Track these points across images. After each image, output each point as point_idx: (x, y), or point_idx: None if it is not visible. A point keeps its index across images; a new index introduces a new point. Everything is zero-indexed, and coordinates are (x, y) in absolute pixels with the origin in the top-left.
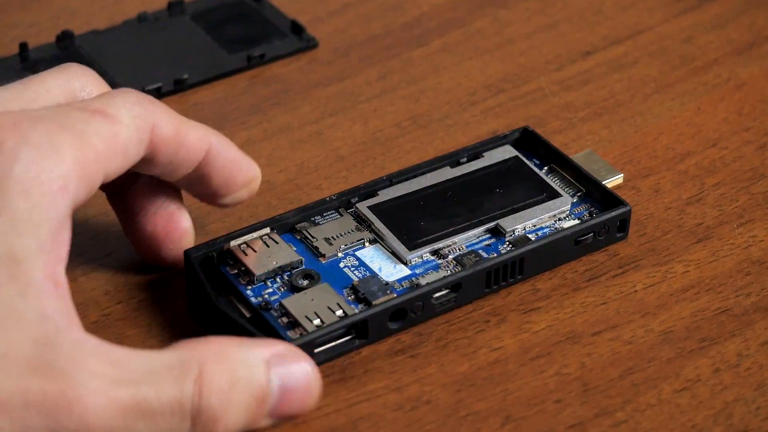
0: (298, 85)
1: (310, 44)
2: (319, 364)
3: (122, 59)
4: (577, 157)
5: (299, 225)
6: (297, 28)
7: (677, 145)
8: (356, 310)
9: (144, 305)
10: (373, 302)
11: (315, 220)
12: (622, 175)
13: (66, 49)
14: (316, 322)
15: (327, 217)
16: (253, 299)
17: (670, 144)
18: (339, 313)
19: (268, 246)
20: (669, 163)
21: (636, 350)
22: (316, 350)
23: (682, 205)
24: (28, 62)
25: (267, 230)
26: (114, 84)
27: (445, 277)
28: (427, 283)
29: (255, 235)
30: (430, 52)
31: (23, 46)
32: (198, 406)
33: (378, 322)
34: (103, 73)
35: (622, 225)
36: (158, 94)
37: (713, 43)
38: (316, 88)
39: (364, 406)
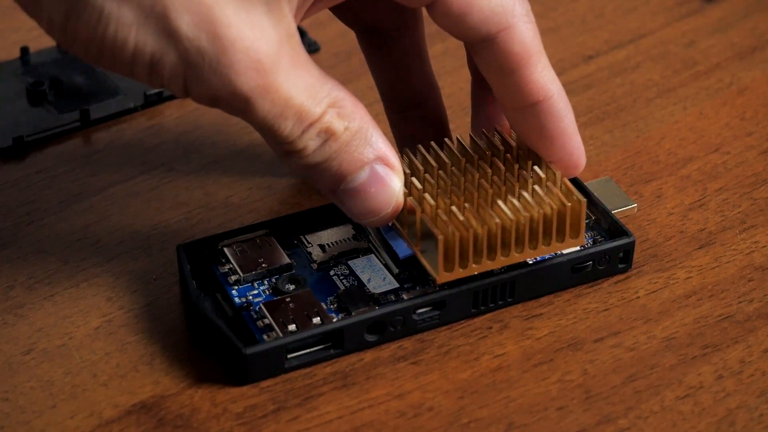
0: None
1: (312, 48)
2: (292, 370)
3: None
4: (593, 183)
5: (297, 229)
6: (299, 32)
7: (679, 150)
8: (334, 320)
9: (145, 312)
10: (353, 313)
11: (315, 225)
12: (635, 204)
13: (67, 53)
14: (291, 327)
15: (327, 223)
16: (236, 299)
17: (673, 149)
18: (316, 320)
19: (261, 248)
20: (671, 168)
21: (638, 357)
22: (289, 356)
23: (684, 210)
24: (29, 66)
25: (264, 232)
26: (116, 88)
27: (429, 293)
28: (410, 299)
29: (251, 235)
30: (432, 57)
31: (24, 50)
32: (318, 120)
33: (354, 333)
34: (105, 77)
35: (626, 256)
36: (160, 98)
37: (715, 48)
38: None
39: (367, 413)
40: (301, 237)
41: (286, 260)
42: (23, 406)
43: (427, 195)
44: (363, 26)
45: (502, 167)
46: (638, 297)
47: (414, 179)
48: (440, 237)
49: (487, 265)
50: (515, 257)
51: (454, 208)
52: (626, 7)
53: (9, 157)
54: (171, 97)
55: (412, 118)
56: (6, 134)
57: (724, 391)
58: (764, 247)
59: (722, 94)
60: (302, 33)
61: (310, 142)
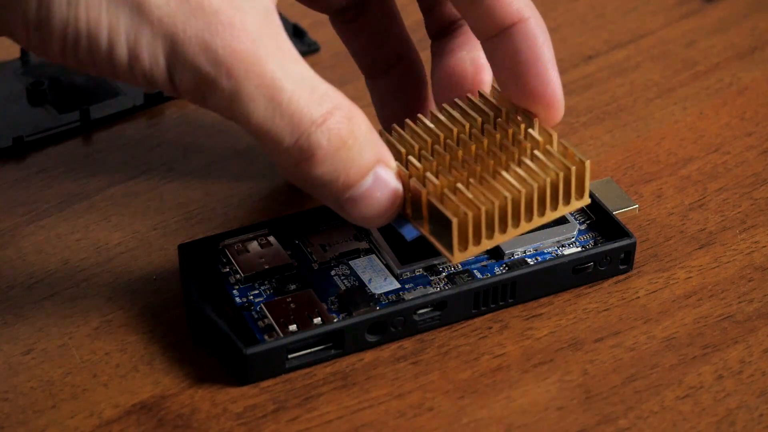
0: None
1: (312, 48)
2: (292, 370)
3: None
4: (595, 184)
5: (298, 229)
6: (298, 32)
7: (679, 150)
8: (335, 320)
9: (145, 311)
10: (354, 313)
11: (316, 225)
12: (637, 205)
13: None
14: (292, 327)
15: (328, 223)
16: (237, 299)
17: (673, 149)
18: (317, 320)
19: (263, 248)
20: (671, 168)
21: (638, 357)
22: (290, 356)
23: (684, 210)
24: (29, 66)
25: (265, 232)
26: (116, 89)
27: (430, 294)
28: (411, 299)
29: (251, 235)
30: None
31: (24, 51)
32: (311, 133)
33: (355, 334)
34: (104, 78)
35: (627, 257)
36: (160, 98)
37: (715, 48)
38: None
39: (367, 413)
40: (302, 237)
41: (287, 260)
42: (23, 406)
43: (428, 174)
44: (335, 7)
45: (496, 134)
46: (638, 297)
47: (411, 158)
48: (454, 220)
49: (499, 238)
50: (525, 226)
51: (459, 185)
52: (626, 7)
53: (9, 157)
54: (169, 99)
55: (392, 76)
56: (6, 134)
57: (724, 391)
58: (764, 247)
59: (722, 94)
60: (302, 33)
61: (317, 150)
